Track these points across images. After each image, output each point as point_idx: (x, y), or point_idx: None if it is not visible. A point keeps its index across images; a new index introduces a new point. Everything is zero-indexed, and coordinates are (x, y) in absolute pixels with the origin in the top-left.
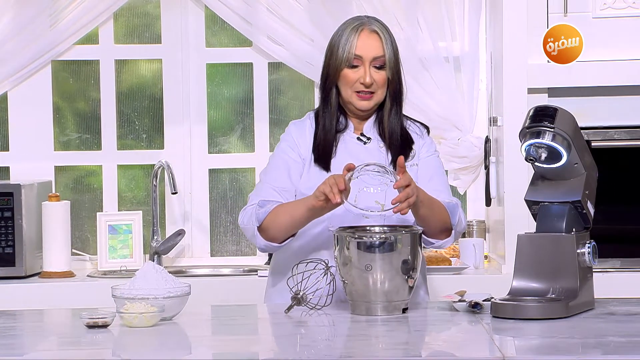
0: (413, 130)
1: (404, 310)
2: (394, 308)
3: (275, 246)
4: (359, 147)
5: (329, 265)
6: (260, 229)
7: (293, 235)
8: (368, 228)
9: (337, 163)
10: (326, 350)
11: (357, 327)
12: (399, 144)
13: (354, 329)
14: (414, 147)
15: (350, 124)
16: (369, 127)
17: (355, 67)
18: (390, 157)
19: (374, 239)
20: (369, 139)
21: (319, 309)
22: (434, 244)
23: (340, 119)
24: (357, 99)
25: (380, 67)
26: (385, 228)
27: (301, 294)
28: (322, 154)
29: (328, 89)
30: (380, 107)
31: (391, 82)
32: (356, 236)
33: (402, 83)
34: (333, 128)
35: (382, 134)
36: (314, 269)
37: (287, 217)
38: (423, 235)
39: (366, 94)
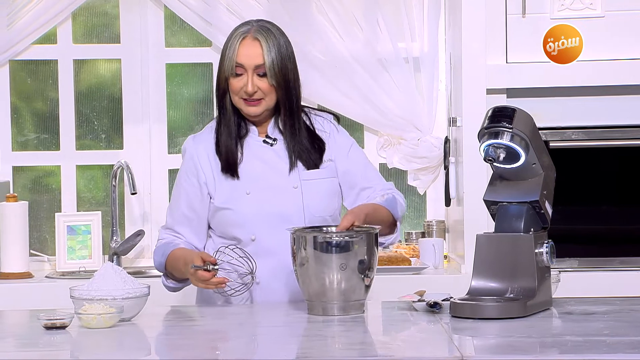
0: (320, 125)
1: (361, 306)
2: (351, 307)
3: (183, 285)
4: (266, 149)
5: (254, 271)
6: (165, 274)
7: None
8: (324, 229)
9: (245, 168)
10: (283, 350)
11: (313, 327)
12: (304, 145)
13: (310, 329)
14: (325, 147)
15: (253, 128)
16: (272, 128)
17: (239, 75)
18: (297, 159)
19: (332, 239)
20: (275, 140)
21: (225, 295)
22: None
23: (242, 124)
24: (244, 106)
25: (264, 75)
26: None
27: (211, 267)
28: (228, 162)
29: (221, 96)
30: (277, 109)
31: (277, 89)
32: (315, 236)
33: (294, 87)
34: (233, 134)
35: (284, 135)
36: (236, 260)
37: (179, 271)
38: None
39: (253, 101)
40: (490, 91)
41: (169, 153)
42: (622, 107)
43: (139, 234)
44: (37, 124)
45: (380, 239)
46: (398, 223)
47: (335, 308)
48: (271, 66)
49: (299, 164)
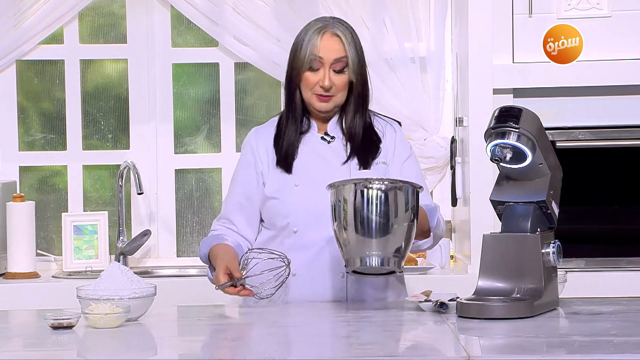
0: (381, 127)
1: (398, 265)
2: (390, 261)
3: None
4: (324, 146)
5: (289, 261)
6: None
7: None
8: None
9: (300, 164)
10: (292, 350)
11: (323, 327)
12: (363, 144)
13: (319, 329)
14: (381, 146)
15: (314, 124)
16: (333, 126)
17: (316, 69)
18: (353, 157)
19: (374, 185)
20: (332, 137)
21: (259, 298)
22: (414, 243)
23: (304, 120)
24: (316, 101)
25: (341, 70)
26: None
27: (241, 279)
28: (284, 157)
29: (292, 90)
30: (344, 107)
31: (355, 85)
32: (356, 183)
33: (367, 86)
34: (297, 131)
35: (345, 133)
36: (264, 260)
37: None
38: None
39: (325, 97)
40: (496, 91)
41: (176, 153)
42: (629, 107)
43: (146, 233)
44: (43, 124)
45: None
46: (431, 233)
47: (374, 259)
48: (354, 61)
49: (354, 162)
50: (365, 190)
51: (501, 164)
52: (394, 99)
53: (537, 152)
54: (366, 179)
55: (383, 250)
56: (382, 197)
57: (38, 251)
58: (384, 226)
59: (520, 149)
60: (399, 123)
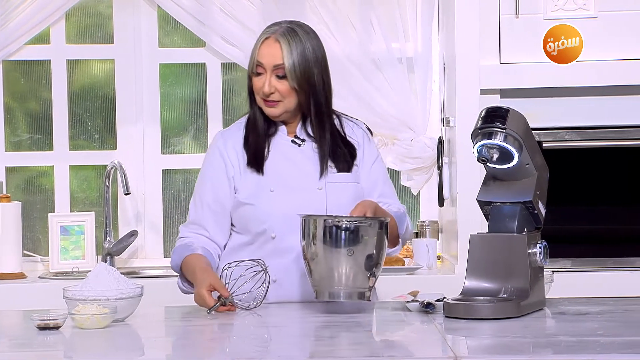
0: (350, 131)
1: (366, 297)
2: (357, 294)
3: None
4: (294, 149)
5: (265, 266)
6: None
7: None
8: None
9: (271, 165)
10: (279, 350)
11: (310, 327)
12: (336, 148)
13: (307, 330)
14: (356, 152)
15: (283, 127)
16: (300, 130)
17: (260, 74)
18: (326, 160)
19: (342, 223)
20: (303, 140)
21: (249, 309)
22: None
23: (271, 122)
24: (264, 106)
25: (283, 77)
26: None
27: (228, 295)
28: (255, 156)
29: (250, 93)
30: (307, 111)
31: (299, 92)
32: (325, 220)
33: (318, 92)
34: (261, 131)
35: (312, 137)
36: (245, 271)
37: (191, 278)
38: None
39: (272, 102)
40: (483, 91)
41: (163, 153)
42: (615, 107)
43: (133, 234)
44: (30, 125)
45: None
46: (400, 240)
47: (342, 293)
48: (292, 69)
49: (328, 166)
50: (335, 228)
51: (488, 164)
52: (381, 100)
53: (523, 152)
54: (336, 216)
55: (352, 285)
56: (351, 236)
57: (24, 252)
58: (353, 263)
59: (507, 150)
60: (369, 129)
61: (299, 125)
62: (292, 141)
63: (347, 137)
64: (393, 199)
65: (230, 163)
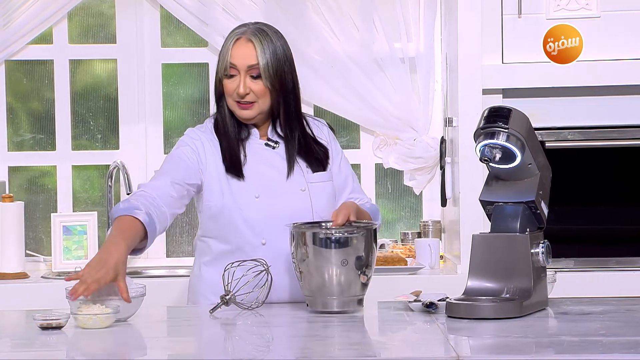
0: (318, 130)
1: (360, 302)
2: (350, 303)
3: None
4: (269, 152)
5: (267, 266)
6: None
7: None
8: (323, 224)
9: (250, 170)
10: (282, 350)
11: (312, 327)
12: (310, 148)
13: (309, 330)
14: (329, 153)
15: (254, 131)
16: (271, 132)
17: (232, 76)
18: (299, 161)
19: (333, 235)
20: (276, 142)
21: (252, 309)
22: None
23: (242, 126)
24: (237, 108)
25: (258, 76)
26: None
27: (230, 295)
28: (232, 163)
29: (218, 98)
30: (276, 113)
31: (272, 91)
32: (315, 232)
33: (289, 91)
34: (232, 136)
35: (283, 138)
36: (247, 271)
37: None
38: None
39: (246, 104)
40: (486, 91)
41: (165, 153)
42: (617, 107)
43: None
44: (32, 124)
45: None
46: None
47: (335, 303)
48: (265, 68)
49: (303, 166)
50: (326, 239)
51: (490, 164)
52: (383, 99)
53: (526, 152)
54: (326, 227)
55: (345, 294)
56: (342, 246)
57: (27, 251)
58: (346, 272)
59: (509, 149)
60: (330, 127)
61: (270, 128)
62: (266, 144)
63: (317, 137)
64: (361, 194)
65: (206, 165)
